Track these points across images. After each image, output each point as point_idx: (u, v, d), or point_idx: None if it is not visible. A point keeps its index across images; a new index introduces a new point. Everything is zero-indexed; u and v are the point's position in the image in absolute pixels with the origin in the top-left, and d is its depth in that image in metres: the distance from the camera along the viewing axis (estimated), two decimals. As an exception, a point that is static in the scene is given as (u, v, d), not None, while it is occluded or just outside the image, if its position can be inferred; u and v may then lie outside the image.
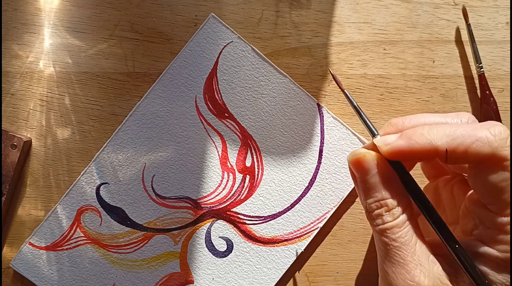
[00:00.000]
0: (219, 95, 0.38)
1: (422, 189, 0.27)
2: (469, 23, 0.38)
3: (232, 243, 0.37)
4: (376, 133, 0.27)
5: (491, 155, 0.23)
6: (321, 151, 0.38)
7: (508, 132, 0.24)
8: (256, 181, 0.38)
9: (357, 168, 0.26)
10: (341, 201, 0.38)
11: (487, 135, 0.24)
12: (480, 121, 0.39)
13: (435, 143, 0.24)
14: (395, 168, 0.26)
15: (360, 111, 0.28)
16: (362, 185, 0.26)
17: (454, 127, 0.25)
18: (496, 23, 0.40)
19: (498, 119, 0.38)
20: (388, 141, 0.25)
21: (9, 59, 0.37)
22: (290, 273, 0.38)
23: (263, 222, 0.38)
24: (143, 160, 0.37)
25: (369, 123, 0.28)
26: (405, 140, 0.25)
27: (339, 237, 0.39)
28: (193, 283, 0.37)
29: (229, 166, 0.38)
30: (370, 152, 0.26)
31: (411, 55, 0.39)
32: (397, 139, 0.25)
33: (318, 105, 0.38)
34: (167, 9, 0.38)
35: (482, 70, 0.38)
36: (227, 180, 0.38)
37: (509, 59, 0.40)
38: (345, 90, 0.29)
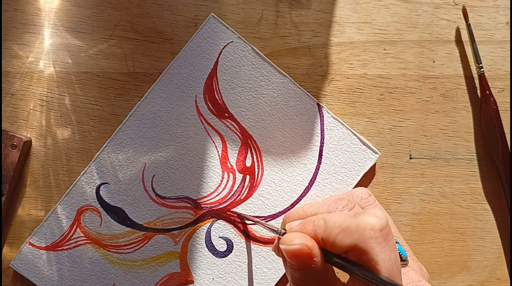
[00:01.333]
0: (219, 95, 0.38)
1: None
2: (469, 23, 0.38)
3: (232, 243, 0.37)
4: (278, 229, 0.30)
5: (353, 246, 0.22)
6: (321, 151, 0.38)
7: (380, 222, 0.22)
8: (256, 181, 0.38)
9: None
10: (341, 201, 0.38)
11: (351, 226, 0.23)
12: (480, 121, 0.39)
13: (315, 231, 0.24)
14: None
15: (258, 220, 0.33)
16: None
17: (332, 216, 0.24)
18: (496, 23, 0.40)
19: (498, 119, 0.38)
20: (291, 226, 0.28)
21: (9, 59, 0.37)
22: (290, 273, 0.38)
23: (263, 222, 0.37)
24: (143, 160, 0.37)
25: (271, 226, 0.32)
26: (300, 226, 0.26)
27: (339, 237, 0.38)
28: (193, 283, 0.37)
29: (229, 166, 0.38)
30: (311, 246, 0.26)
31: (411, 55, 0.39)
32: (297, 225, 0.27)
33: (318, 105, 0.38)
34: (167, 9, 0.38)
35: (482, 70, 0.38)
36: (227, 180, 0.38)
37: (509, 59, 0.40)
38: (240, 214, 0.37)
